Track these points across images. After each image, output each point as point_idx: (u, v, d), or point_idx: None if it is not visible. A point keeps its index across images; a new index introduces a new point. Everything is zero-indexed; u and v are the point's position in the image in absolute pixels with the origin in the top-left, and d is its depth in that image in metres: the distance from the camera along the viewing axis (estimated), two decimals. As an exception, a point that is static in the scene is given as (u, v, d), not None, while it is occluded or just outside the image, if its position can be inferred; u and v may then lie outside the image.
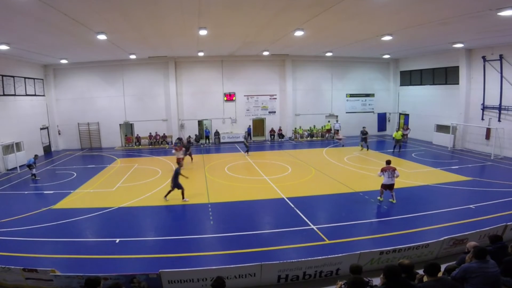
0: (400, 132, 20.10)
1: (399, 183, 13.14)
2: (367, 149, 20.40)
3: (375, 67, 26.93)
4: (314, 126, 26.57)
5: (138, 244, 8.34)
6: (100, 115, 23.90)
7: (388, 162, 11.03)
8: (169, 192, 11.49)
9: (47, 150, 22.56)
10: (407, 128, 22.86)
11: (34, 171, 15.21)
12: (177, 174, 11.34)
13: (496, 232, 7.56)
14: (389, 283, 4.12)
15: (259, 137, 26.60)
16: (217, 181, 14.14)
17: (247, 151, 20.20)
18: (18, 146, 18.08)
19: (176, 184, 11.34)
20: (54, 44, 15.30)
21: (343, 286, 4.86)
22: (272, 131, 25.82)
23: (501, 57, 17.75)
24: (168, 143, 24.57)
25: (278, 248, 7.86)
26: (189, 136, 23.43)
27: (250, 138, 24.99)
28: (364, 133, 20.58)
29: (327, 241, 8.17)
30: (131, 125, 24.83)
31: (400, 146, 19.71)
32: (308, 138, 25.89)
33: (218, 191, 12.55)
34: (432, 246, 6.89)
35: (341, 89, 26.78)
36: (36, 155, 15.87)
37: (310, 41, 17.43)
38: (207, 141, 25.27)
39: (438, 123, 22.24)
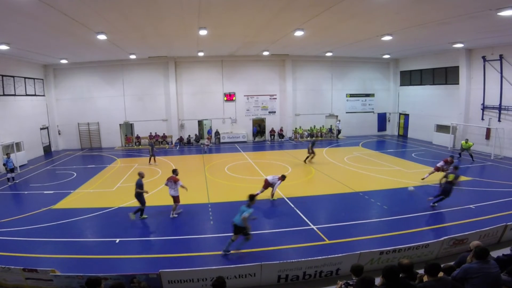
0: (467, 143, 17.19)
1: (399, 183, 13.23)
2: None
3: (375, 67, 26.93)
4: (314, 126, 26.59)
5: (138, 244, 8.34)
6: (100, 115, 23.90)
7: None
8: None
9: (47, 150, 22.54)
10: None
11: (14, 173, 14.67)
12: None
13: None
14: (388, 283, 4.12)
15: (260, 137, 26.61)
16: (217, 181, 14.14)
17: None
18: (18, 146, 18.06)
19: None
20: (54, 44, 15.29)
21: (343, 286, 4.87)
22: (272, 131, 25.82)
23: (501, 57, 17.74)
24: (168, 143, 24.60)
25: (278, 248, 7.86)
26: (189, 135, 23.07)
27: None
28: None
29: (327, 241, 8.16)
30: (131, 125, 24.83)
31: (471, 156, 17.18)
32: (308, 138, 25.87)
33: (218, 191, 12.54)
34: (432, 246, 6.90)
35: (341, 89, 26.78)
36: None
37: (310, 41, 17.43)
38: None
39: (438, 123, 22.24)
